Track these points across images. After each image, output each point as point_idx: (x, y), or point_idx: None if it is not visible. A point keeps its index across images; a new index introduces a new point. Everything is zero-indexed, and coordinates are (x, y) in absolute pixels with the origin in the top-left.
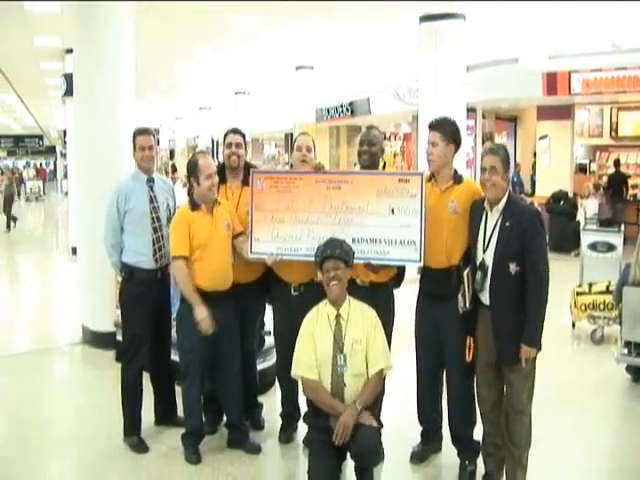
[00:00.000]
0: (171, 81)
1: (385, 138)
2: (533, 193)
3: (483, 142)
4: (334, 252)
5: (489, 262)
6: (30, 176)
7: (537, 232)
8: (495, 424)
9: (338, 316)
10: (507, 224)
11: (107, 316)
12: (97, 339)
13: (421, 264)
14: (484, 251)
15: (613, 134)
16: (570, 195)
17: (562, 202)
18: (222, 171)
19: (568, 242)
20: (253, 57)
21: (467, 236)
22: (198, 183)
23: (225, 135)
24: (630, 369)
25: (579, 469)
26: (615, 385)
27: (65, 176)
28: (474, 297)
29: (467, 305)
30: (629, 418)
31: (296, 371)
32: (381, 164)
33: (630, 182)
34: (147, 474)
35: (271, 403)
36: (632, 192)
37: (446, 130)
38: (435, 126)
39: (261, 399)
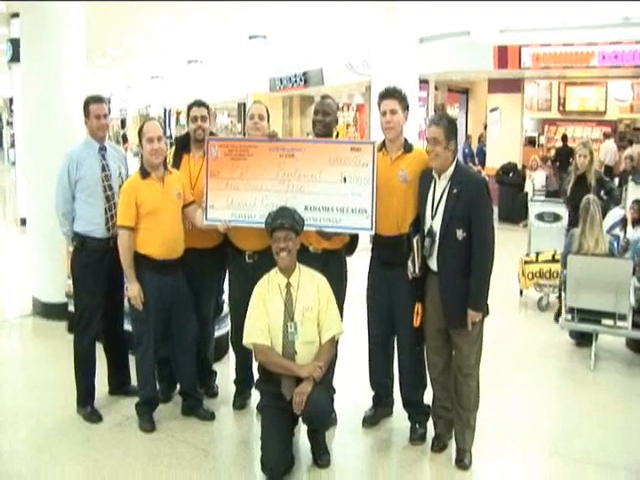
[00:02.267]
0: (122, 49)
1: (338, 109)
2: (483, 164)
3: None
4: (285, 223)
5: (437, 228)
6: None
7: (483, 199)
8: (444, 388)
9: (288, 285)
10: (454, 191)
11: (58, 287)
12: (48, 310)
13: (372, 232)
14: (432, 218)
15: (561, 108)
16: (519, 167)
17: (511, 174)
18: (187, 142)
19: (517, 213)
20: (205, 26)
21: (417, 204)
22: (142, 146)
23: (189, 108)
24: (573, 334)
25: (525, 427)
26: (559, 349)
27: (12, 145)
28: (423, 264)
29: (416, 271)
30: (571, 379)
31: (248, 339)
32: (334, 134)
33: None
34: (102, 443)
35: (225, 370)
36: None
37: (403, 98)
38: (393, 94)
39: (216, 366)
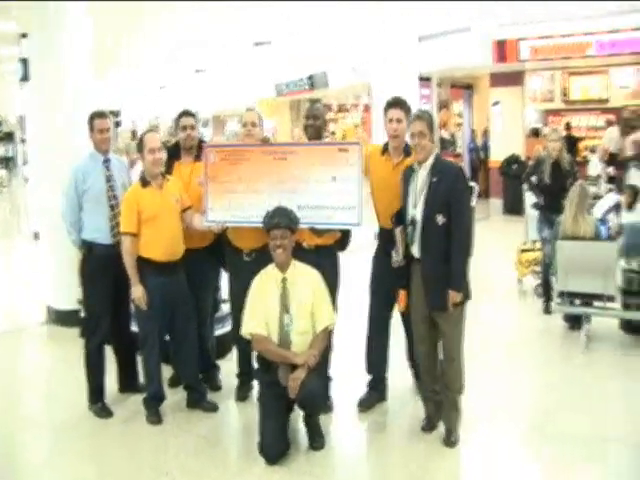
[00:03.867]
0: (132, 61)
1: (346, 109)
2: (486, 158)
3: (439, 110)
4: (281, 222)
5: (419, 216)
6: None
7: (461, 186)
8: (430, 373)
9: (284, 279)
10: (434, 180)
11: (71, 295)
12: (62, 317)
13: (360, 227)
14: (414, 207)
15: (564, 98)
16: (523, 159)
17: (515, 166)
18: (177, 150)
19: (521, 204)
20: (211, 34)
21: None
22: (143, 157)
23: (179, 118)
24: (566, 318)
25: (513, 406)
26: (553, 333)
27: (24, 162)
28: (407, 252)
29: (399, 260)
30: (563, 360)
31: (246, 329)
32: (341, 135)
33: (581, 144)
34: (111, 436)
35: (229, 367)
36: (582, 154)
37: (407, 108)
38: (399, 104)
39: (220, 363)
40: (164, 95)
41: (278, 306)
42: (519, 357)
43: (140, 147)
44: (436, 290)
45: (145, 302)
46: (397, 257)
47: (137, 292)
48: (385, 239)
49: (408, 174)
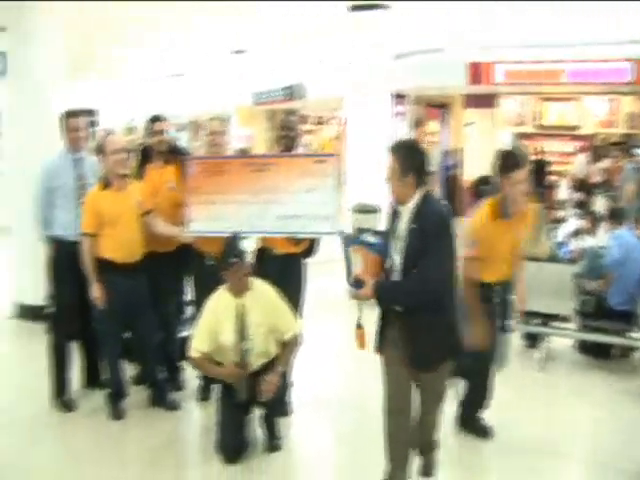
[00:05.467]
0: (108, 63)
1: (323, 123)
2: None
3: (416, 128)
4: (237, 260)
5: (397, 265)
6: None
7: (438, 237)
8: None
9: (240, 306)
10: (414, 226)
11: (38, 290)
12: (28, 312)
13: (336, 235)
14: (396, 252)
15: (536, 123)
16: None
17: (487, 185)
18: (149, 153)
19: None
20: (189, 40)
21: None
22: (105, 159)
23: (152, 122)
24: (525, 336)
25: None
26: (511, 350)
27: None
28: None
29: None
30: (519, 379)
31: (191, 353)
32: (318, 147)
33: (552, 169)
34: (73, 429)
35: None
36: (551, 179)
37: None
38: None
39: (184, 364)
40: (141, 96)
41: (234, 333)
42: None
43: (100, 149)
44: (421, 349)
45: (103, 301)
46: (349, 280)
47: (95, 291)
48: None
49: (392, 213)
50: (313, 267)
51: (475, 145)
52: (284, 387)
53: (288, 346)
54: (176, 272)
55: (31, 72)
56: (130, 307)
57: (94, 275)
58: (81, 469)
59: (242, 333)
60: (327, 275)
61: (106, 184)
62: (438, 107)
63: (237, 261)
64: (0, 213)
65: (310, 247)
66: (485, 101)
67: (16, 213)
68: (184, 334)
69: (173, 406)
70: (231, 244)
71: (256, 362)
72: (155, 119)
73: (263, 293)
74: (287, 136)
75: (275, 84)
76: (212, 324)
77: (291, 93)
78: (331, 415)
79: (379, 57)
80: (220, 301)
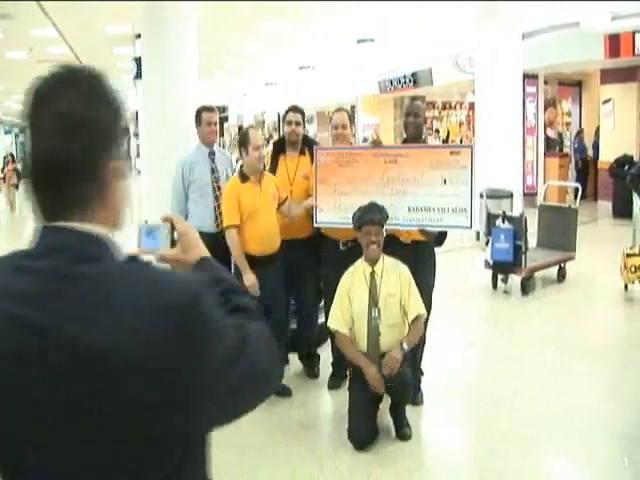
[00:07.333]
0: (238, 59)
1: (450, 107)
2: (597, 159)
3: (545, 108)
4: (374, 218)
5: None
6: None
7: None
8: None
9: (373, 273)
10: None
11: None
12: None
13: (472, 230)
14: None
15: None
16: (635, 159)
17: (626, 167)
18: (282, 145)
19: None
20: (316, 32)
21: None
22: (247, 153)
23: (286, 112)
24: None
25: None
26: None
27: (138, 155)
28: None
29: None
30: None
31: (331, 323)
32: (444, 132)
33: None
34: None
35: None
36: None
37: None
38: None
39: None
40: (269, 92)
41: (366, 299)
42: (619, 367)
43: (242, 142)
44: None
45: (258, 289)
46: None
47: (250, 279)
48: None
49: None
50: (443, 256)
51: (613, 123)
52: (414, 376)
53: (412, 326)
54: (312, 258)
55: (165, 74)
56: (268, 297)
57: (246, 264)
58: None
59: (373, 299)
60: (456, 264)
61: (243, 178)
62: (571, 85)
63: (378, 219)
64: (138, 211)
65: (440, 234)
66: (625, 74)
67: (155, 207)
68: (321, 321)
69: (284, 392)
70: (374, 204)
71: (385, 333)
72: (290, 109)
73: (397, 266)
74: (414, 122)
75: (401, 71)
76: (346, 296)
77: (417, 79)
78: (462, 405)
79: (507, 36)
80: (355, 270)
